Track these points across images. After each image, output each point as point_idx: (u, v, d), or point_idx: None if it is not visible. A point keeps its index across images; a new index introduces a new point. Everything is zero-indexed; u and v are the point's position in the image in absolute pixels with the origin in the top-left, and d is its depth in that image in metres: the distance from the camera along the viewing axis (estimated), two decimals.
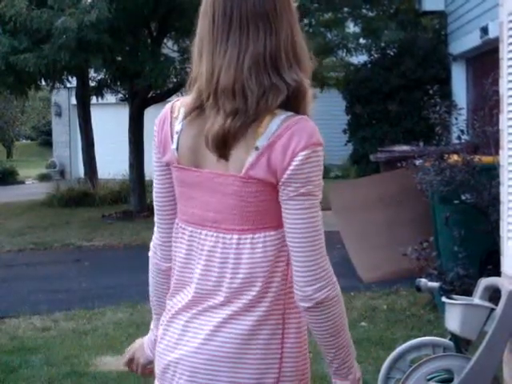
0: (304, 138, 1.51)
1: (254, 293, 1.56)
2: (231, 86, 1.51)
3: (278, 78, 1.52)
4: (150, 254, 1.77)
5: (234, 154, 1.54)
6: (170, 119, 1.63)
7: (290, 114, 1.53)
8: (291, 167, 1.51)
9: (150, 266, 1.77)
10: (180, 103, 1.64)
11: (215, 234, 1.59)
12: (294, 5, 1.62)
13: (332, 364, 1.63)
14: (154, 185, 1.71)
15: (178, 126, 1.61)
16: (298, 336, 1.62)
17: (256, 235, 1.56)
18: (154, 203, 1.72)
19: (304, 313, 1.57)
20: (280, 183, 1.52)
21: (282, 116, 1.53)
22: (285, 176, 1.51)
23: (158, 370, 1.70)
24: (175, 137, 1.61)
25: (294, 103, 1.55)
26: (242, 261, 1.57)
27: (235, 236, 1.57)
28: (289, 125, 1.52)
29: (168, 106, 1.68)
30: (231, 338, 1.56)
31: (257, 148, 1.52)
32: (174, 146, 1.61)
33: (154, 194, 1.71)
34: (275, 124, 1.52)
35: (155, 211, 1.73)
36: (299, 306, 1.56)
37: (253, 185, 1.54)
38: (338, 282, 1.59)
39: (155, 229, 1.74)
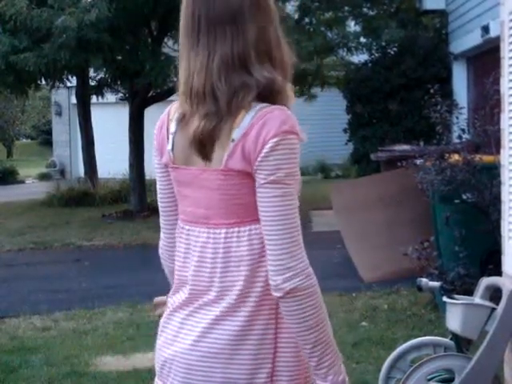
0: (275, 125, 1.53)
1: (241, 287, 1.58)
2: (202, 89, 1.56)
3: (248, 77, 1.55)
4: (160, 255, 1.85)
5: (215, 152, 1.58)
6: (166, 122, 1.70)
7: (264, 105, 1.56)
8: (261, 154, 1.52)
9: (163, 266, 1.86)
10: (176, 105, 1.69)
11: (206, 230, 1.62)
12: (270, 3, 1.63)
13: (310, 362, 1.59)
14: (157, 187, 1.78)
15: (172, 128, 1.67)
16: None
17: (242, 228, 1.59)
18: (158, 205, 1.81)
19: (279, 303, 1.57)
20: (253, 171, 1.54)
21: (256, 107, 1.55)
22: (256, 163, 1.53)
23: (156, 366, 1.73)
24: (170, 138, 1.66)
25: (270, 99, 1.57)
26: (230, 254, 1.59)
27: (223, 230, 1.60)
28: (261, 114, 1.54)
29: (167, 108, 1.73)
30: (224, 335, 1.58)
31: (233, 140, 1.55)
32: (169, 147, 1.66)
33: (158, 197, 1.79)
34: (250, 116, 1.54)
35: (160, 213, 1.81)
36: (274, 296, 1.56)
37: (233, 177, 1.56)
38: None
39: (161, 230, 1.81)
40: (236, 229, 1.59)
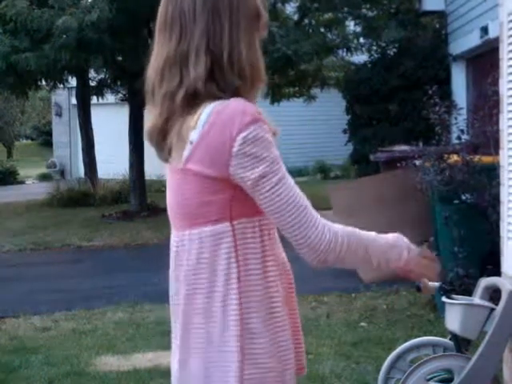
0: (237, 120, 1.47)
1: (200, 295, 1.55)
2: (151, 87, 1.58)
3: (179, 78, 1.53)
4: None
5: (174, 151, 1.57)
6: None
7: (219, 102, 1.51)
8: (233, 154, 1.47)
9: None
10: None
11: (173, 232, 1.64)
12: (240, 4, 1.59)
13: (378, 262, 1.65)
14: None
15: None
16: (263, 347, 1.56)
17: (193, 231, 1.56)
18: None
19: None
20: (231, 171, 1.49)
21: (211, 105, 1.51)
22: (231, 164, 1.48)
23: None
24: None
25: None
26: (183, 258, 1.59)
27: (180, 233, 1.59)
28: (218, 111, 1.50)
29: None
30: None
31: (191, 142, 1.51)
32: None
33: None
34: (205, 114, 1.50)
35: None
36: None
37: (190, 177, 1.53)
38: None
39: None
40: (187, 232, 1.57)
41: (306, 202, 1.52)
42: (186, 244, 1.57)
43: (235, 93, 1.53)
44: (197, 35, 1.54)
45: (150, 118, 1.58)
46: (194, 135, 1.50)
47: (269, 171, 1.48)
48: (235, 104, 1.49)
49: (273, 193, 1.48)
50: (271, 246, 1.59)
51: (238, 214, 1.53)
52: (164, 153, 1.59)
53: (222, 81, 1.53)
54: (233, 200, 1.52)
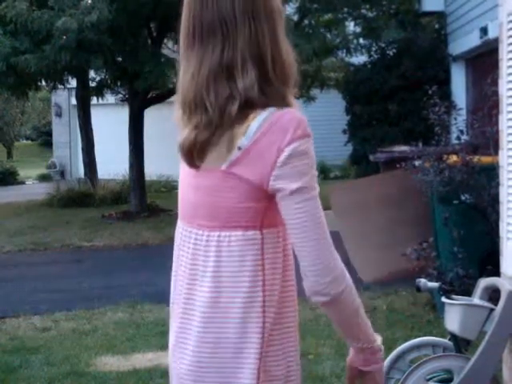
0: (290, 131, 1.48)
1: (224, 299, 1.54)
2: (193, 100, 1.53)
3: (234, 86, 1.50)
4: None
5: (212, 153, 1.55)
6: None
7: (272, 109, 1.51)
8: (279, 163, 1.48)
9: None
10: None
11: (191, 229, 1.62)
12: (271, 3, 1.56)
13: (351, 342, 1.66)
14: None
15: None
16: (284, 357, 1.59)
17: (222, 233, 1.55)
18: None
19: (321, 307, 1.57)
20: (271, 181, 1.49)
21: (264, 114, 1.51)
22: (274, 173, 1.48)
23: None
24: None
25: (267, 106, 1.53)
26: (205, 258, 1.57)
27: (204, 232, 1.58)
28: (272, 121, 1.50)
29: None
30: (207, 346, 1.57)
31: (239, 148, 1.50)
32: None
33: None
34: (257, 122, 1.50)
35: None
36: (315, 301, 1.54)
37: (231, 181, 1.52)
38: None
39: None
40: (217, 233, 1.56)
41: (328, 229, 1.53)
42: (213, 245, 1.56)
43: (283, 98, 1.55)
44: (241, 43, 1.51)
45: (188, 131, 1.55)
46: (243, 141, 1.50)
47: (307, 186, 1.49)
48: (290, 116, 1.51)
49: (304, 206, 1.49)
50: (290, 257, 1.61)
51: (268, 224, 1.55)
52: (198, 161, 1.57)
53: (269, 87, 1.54)
54: (267, 210, 1.53)
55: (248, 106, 1.51)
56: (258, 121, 1.50)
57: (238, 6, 1.52)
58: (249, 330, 1.54)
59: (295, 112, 1.53)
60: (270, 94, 1.53)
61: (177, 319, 1.64)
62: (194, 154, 1.55)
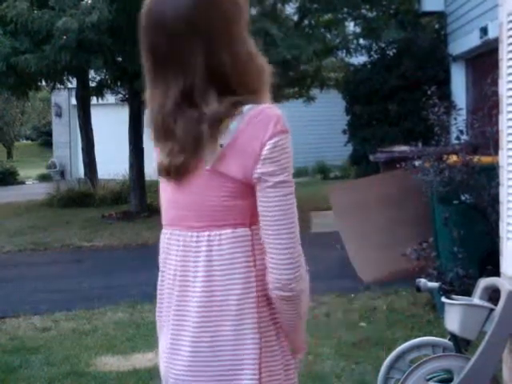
0: (270, 126, 1.51)
1: (217, 297, 1.55)
2: (162, 129, 1.56)
3: (198, 111, 1.52)
4: None
5: (189, 170, 1.57)
6: None
7: (249, 106, 1.53)
8: (261, 157, 1.50)
9: None
10: None
11: (178, 232, 1.64)
12: (230, 18, 1.55)
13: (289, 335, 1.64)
14: None
15: None
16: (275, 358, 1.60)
17: (211, 232, 1.57)
18: None
19: (279, 302, 1.56)
20: (254, 176, 1.52)
21: (242, 112, 1.53)
22: (257, 168, 1.51)
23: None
24: None
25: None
26: (195, 258, 1.59)
27: (192, 233, 1.59)
28: (251, 115, 1.52)
29: None
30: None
31: (221, 145, 1.52)
32: None
33: None
34: (236, 120, 1.52)
35: None
36: (275, 296, 1.55)
37: (216, 180, 1.54)
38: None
39: None
40: (206, 233, 1.57)
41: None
42: (203, 245, 1.57)
43: (256, 98, 1.56)
44: (198, 66, 1.52)
45: (162, 157, 1.58)
46: (224, 139, 1.52)
47: (288, 180, 1.53)
48: (269, 111, 1.53)
49: (284, 199, 1.52)
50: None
51: (256, 221, 1.56)
52: (177, 177, 1.60)
53: (239, 96, 1.55)
54: (253, 206, 1.55)
55: (220, 120, 1.52)
56: (236, 119, 1.52)
57: (189, 32, 1.51)
58: (245, 326, 1.55)
59: (274, 107, 1.55)
60: (243, 101, 1.54)
61: (169, 325, 1.66)
62: (171, 175, 1.59)
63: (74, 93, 16.70)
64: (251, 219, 1.56)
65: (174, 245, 1.63)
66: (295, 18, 13.01)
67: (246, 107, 1.53)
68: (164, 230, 1.69)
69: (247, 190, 1.53)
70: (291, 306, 1.56)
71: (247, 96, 1.55)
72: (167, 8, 1.53)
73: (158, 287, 1.70)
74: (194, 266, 1.58)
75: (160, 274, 1.70)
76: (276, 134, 1.51)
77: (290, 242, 1.52)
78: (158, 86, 1.56)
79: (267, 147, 1.50)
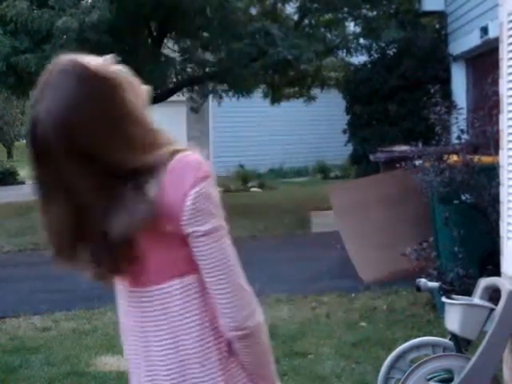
0: (191, 175, 1.49)
1: (180, 350, 1.58)
2: (69, 248, 1.65)
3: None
4: None
5: None
6: None
7: (169, 158, 1.50)
8: (186, 208, 1.49)
9: None
10: None
11: (130, 288, 1.67)
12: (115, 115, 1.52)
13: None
14: None
15: None
16: None
17: (161, 286, 1.58)
18: None
19: (237, 344, 1.56)
20: (182, 227, 1.50)
21: (165, 164, 1.51)
22: (184, 218, 1.49)
23: None
24: None
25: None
26: (153, 312, 1.62)
27: (144, 288, 1.62)
28: (171, 168, 1.50)
29: None
30: None
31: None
32: None
33: None
34: (158, 177, 1.50)
35: None
36: (231, 338, 1.55)
37: (154, 236, 1.54)
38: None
39: None
40: (154, 287, 1.59)
41: (238, 264, 1.57)
42: (156, 298, 1.59)
43: (169, 152, 1.52)
44: (84, 186, 1.49)
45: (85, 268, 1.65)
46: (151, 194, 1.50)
47: (219, 226, 1.52)
48: (188, 159, 1.51)
49: (215, 247, 1.52)
50: None
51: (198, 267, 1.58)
52: None
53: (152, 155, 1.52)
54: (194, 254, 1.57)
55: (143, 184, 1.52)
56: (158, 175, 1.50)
57: (65, 169, 1.49)
58: (210, 361, 1.57)
59: (192, 154, 1.53)
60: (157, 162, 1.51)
61: (142, 372, 1.74)
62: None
63: None
64: (195, 266, 1.56)
65: (133, 301, 1.65)
66: (295, 17, 13.02)
67: (167, 160, 1.50)
68: (119, 287, 1.72)
69: (184, 239, 1.53)
70: (252, 343, 1.56)
71: (161, 153, 1.52)
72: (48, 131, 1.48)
73: (122, 331, 1.75)
74: (153, 316, 1.60)
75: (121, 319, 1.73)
76: (198, 182, 1.49)
77: (230, 288, 1.52)
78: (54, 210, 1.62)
79: (190, 197, 1.49)
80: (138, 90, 1.63)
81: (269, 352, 1.61)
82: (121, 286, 1.68)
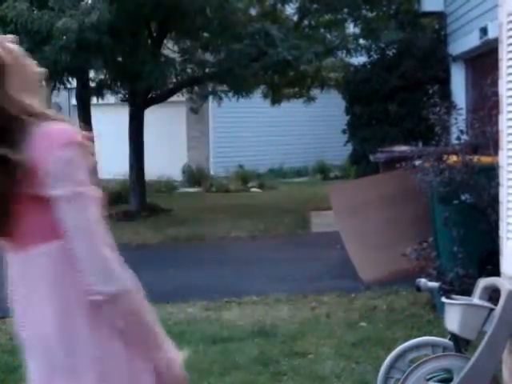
0: (55, 140, 1.56)
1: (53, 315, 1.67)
2: None
3: None
4: None
5: None
6: None
7: (35, 126, 1.57)
8: (47, 171, 1.54)
9: None
10: None
11: (10, 254, 1.74)
12: None
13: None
14: None
15: None
16: None
17: (36, 248, 1.63)
18: None
19: (104, 309, 1.60)
20: (48, 190, 1.55)
21: (33, 130, 1.57)
22: (48, 182, 1.55)
23: None
24: None
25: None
26: (31, 276, 1.68)
27: (21, 252, 1.68)
28: (39, 134, 1.56)
29: None
30: None
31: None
32: None
33: None
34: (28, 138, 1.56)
35: None
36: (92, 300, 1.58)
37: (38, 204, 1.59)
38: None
39: None
40: (30, 251, 1.62)
41: (102, 230, 1.62)
42: (29, 263, 1.62)
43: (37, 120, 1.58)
44: None
45: None
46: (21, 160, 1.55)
47: (82, 192, 1.57)
48: (57, 127, 1.59)
49: (82, 211, 1.57)
50: None
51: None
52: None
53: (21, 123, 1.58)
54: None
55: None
56: (29, 137, 1.56)
57: None
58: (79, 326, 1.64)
59: (62, 124, 1.60)
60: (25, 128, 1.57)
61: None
62: None
63: (74, 93, 16.69)
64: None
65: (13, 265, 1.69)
66: (295, 18, 13.03)
67: (36, 128, 1.56)
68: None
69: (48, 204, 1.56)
70: (116, 312, 1.60)
71: (29, 120, 1.57)
72: None
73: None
74: (25, 283, 1.66)
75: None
76: (60, 147, 1.54)
77: (90, 253, 1.57)
78: None
79: (51, 161, 1.53)
80: (29, 73, 1.66)
81: (144, 319, 1.67)
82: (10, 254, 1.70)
